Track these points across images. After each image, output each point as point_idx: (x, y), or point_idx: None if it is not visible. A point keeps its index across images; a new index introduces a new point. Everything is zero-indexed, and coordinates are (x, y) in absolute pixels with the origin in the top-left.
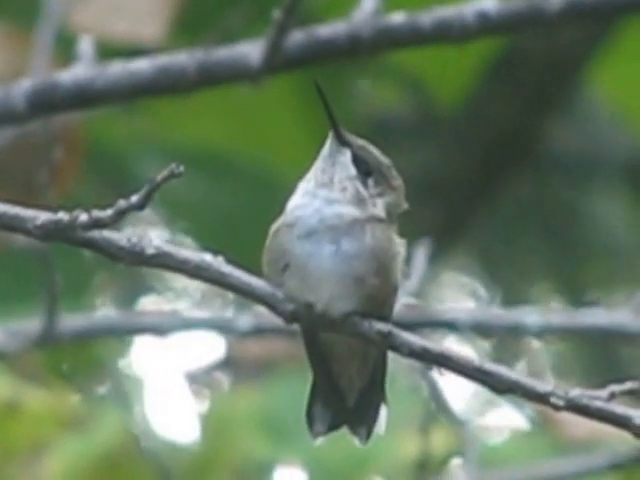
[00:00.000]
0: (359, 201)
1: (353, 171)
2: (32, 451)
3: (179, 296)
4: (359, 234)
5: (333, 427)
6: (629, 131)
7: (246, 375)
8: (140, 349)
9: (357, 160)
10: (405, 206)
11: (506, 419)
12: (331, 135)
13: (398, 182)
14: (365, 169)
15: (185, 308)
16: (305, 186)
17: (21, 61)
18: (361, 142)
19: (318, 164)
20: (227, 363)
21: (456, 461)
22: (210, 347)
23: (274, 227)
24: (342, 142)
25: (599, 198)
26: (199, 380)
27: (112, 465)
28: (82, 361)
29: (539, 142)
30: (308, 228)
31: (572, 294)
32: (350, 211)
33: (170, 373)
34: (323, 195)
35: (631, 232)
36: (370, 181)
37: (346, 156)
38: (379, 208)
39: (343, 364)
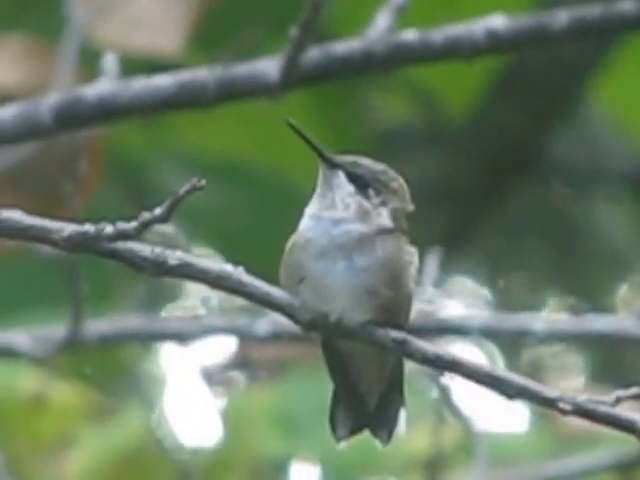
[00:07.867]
0: (364, 215)
1: (351, 188)
2: (58, 445)
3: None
4: (370, 248)
5: (355, 431)
6: (630, 143)
7: (261, 375)
8: (161, 351)
9: (352, 177)
10: (411, 206)
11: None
12: (320, 163)
13: (397, 183)
14: (362, 183)
15: (205, 314)
16: (310, 210)
17: (45, 74)
18: (351, 159)
19: (317, 191)
20: (243, 364)
21: (465, 460)
22: (226, 348)
23: (289, 244)
24: (332, 165)
25: (601, 206)
26: (216, 379)
27: (134, 461)
28: (106, 364)
29: (543, 152)
30: (320, 248)
31: (577, 299)
32: (357, 227)
33: (189, 373)
34: (329, 216)
35: (632, 240)
36: (371, 192)
37: (340, 177)
38: (385, 217)
39: (361, 370)
